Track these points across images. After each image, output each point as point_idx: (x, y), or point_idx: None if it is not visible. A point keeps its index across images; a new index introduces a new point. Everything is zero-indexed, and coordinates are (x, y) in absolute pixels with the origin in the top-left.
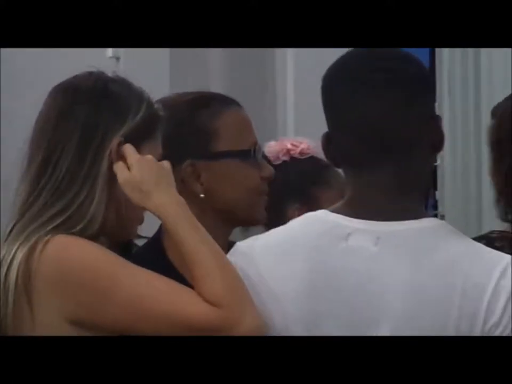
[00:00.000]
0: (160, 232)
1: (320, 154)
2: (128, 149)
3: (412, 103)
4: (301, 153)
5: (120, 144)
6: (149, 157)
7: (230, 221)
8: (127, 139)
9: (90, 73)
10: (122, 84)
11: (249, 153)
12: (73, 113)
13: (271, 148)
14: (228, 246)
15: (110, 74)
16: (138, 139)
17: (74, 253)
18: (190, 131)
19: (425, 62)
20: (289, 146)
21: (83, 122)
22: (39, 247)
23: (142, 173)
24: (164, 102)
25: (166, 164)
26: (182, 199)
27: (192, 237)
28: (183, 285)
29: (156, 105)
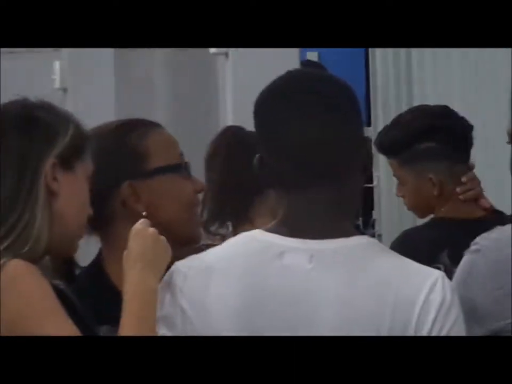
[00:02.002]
0: (100, 256)
1: None
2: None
3: (344, 127)
4: None
5: (54, 165)
6: (147, 232)
7: (173, 238)
8: (59, 160)
9: (15, 101)
10: (48, 109)
11: (181, 167)
12: (3, 143)
13: None
14: None
15: (33, 99)
16: (70, 159)
17: (20, 286)
18: (123, 154)
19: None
20: None
21: (15, 149)
22: None
23: (136, 243)
24: (94, 131)
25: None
26: (152, 287)
27: (129, 324)
28: None
29: (82, 126)
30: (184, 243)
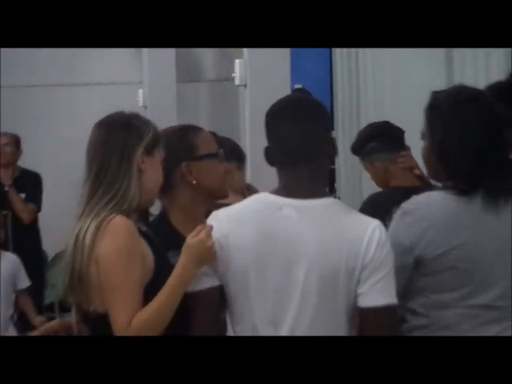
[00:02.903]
0: (164, 209)
1: None
2: (206, 229)
3: (320, 131)
4: None
5: (143, 153)
6: (207, 242)
7: (211, 196)
8: (145, 150)
9: (118, 112)
10: (138, 117)
11: (217, 155)
12: (112, 139)
13: None
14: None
15: (128, 111)
16: (151, 148)
17: (117, 240)
18: (183, 145)
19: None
20: None
21: (119, 144)
22: (105, 223)
23: (196, 245)
24: (164, 131)
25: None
26: (191, 273)
27: (169, 290)
28: (137, 303)
29: (157, 128)
30: (217, 197)
